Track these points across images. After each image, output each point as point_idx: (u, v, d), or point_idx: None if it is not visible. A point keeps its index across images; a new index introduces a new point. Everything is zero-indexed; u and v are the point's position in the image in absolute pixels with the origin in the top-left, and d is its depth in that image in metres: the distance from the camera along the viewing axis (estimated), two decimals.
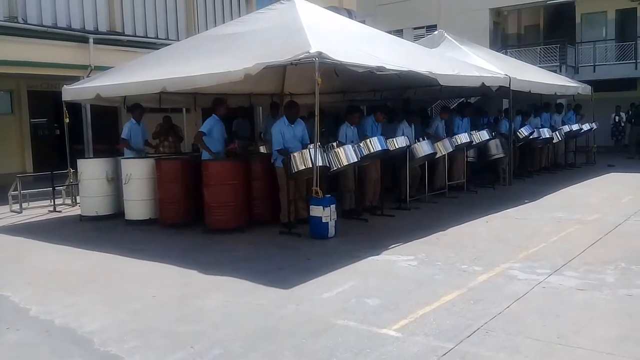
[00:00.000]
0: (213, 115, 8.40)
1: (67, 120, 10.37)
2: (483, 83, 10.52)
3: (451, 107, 13.50)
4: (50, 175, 10.37)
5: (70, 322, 4.49)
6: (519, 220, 8.27)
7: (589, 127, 15.33)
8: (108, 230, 8.40)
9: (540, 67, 17.80)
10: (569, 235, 7.13)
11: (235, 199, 7.70)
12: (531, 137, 12.91)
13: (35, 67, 14.42)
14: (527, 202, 9.61)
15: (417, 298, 4.78)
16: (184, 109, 14.44)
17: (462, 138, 10.57)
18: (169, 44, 12.79)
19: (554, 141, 14.03)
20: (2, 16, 15.16)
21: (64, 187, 10.72)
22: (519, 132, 12.60)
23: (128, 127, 9.32)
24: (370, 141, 8.26)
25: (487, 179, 11.66)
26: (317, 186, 7.02)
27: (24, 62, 14.08)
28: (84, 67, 14.52)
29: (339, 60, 7.14)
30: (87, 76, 12.51)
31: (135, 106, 9.41)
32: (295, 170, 7.31)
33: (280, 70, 10.78)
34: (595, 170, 14.37)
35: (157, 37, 18.29)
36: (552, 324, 4.15)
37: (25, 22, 15.34)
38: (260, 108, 15.66)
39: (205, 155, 8.10)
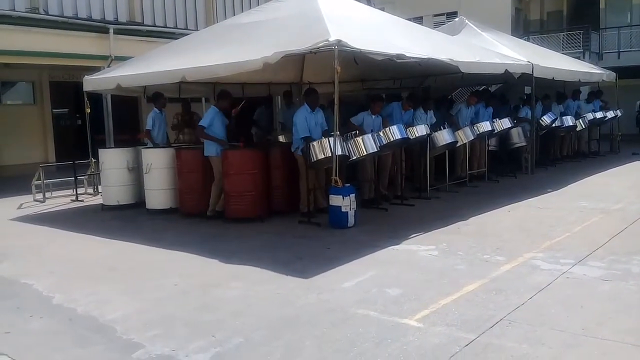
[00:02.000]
0: (212, 107, 8.30)
1: (88, 110, 10.45)
2: (506, 70, 10.34)
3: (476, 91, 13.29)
4: (72, 165, 10.48)
5: (93, 310, 4.53)
6: (542, 209, 8.15)
7: (613, 115, 15.02)
8: (129, 219, 8.47)
9: (563, 53, 17.47)
10: (593, 224, 7.00)
11: (255, 188, 7.71)
12: (554, 125, 12.68)
13: (56, 58, 14.56)
14: (550, 191, 9.46)
15: (439, 288, 4.73)
16: (203, 99, 14.50)
17: (484, 126, 10.42)
18: (188, 34, 12.79)
19: (578, 129, 13.78)
20: (24, 7, 15.30)
21: (86, 177, 10.83)
22: (542, 120, 12.39)
23: (152, 117, 9.22)
24: (389, 130, 8.20)
25: (509, 167, 11.49)
26: (336, 175, 6.99)
27: (46, 53, 14.22)
28: (104, 58, 14.62)
29: (358, 48, 7.06)
30: (108, 66, 12.59)
31: (158, 95, 9.40)
32: (315, 159, 7.28)
33: (299, 59, 10.72)
34: (619, 158, 14.10)
35: (176, 27, 18.34)
36: (576, 315, 4.08)
37: (47, 13, 15.47)
38: (279, 97, 15.64)
39: (208, 151, 8.01)
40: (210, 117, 8.08)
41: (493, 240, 6.29)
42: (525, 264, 5.38)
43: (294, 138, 7.89)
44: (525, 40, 18.20)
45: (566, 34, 21.43)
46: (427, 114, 9.83)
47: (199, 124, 8.18)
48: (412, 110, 9.53)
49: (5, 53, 13.55)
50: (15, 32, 13.63)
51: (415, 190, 9.32)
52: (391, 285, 4.82)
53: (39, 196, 10.29)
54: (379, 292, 4.68)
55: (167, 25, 18.48)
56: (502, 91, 14.25)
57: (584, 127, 13.98)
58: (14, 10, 14.84)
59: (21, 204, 9.94)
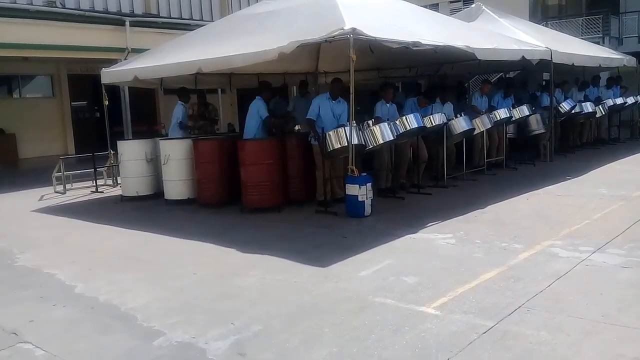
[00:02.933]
0: (259, 98, 8.40)
1: (106, 102, 10.56)
2: (523, 56, 10.21)
3: (492, 81, 13.17)
4: (92, 157, 10.61)
5: (114, 298, 4.61)
6: (561, 197, 8.07)
7: (633, 101, 14.76)
8: (148, 210, 8.57)
9: (582, 39, 17.18)
10: (613, 212, 6.92)
11: (271, 178, 7.74)
12: (573, 111, 12.51)
13: (74, 51, 14.72)
14: (569, 179, 9.36)
15: (456, 276, 4.72)
16: (219, 90, 14.55)
17: (501, 114, 10.32)
18: (204, 25, 12.83)
19: (597, 115, 13.58)
20: (41, 1, 15.46)
21: (105, 169, 10.96)
22: (561, 107, 12.23)
23: (182, 111, 9.64)
24: (406, 118, 8.16)
25: (527, 155, 11.38)
26: (352, 164, 6.99)
27: (63, 46, 14.37)
28: (121, 50, 14.74)
29: (373, 37, 7.03)
30: (125, 59, 12.68)
31: (183, 90, 9.69)
32: (331, 148, 7.29)
33: (314, 48, 10.69)
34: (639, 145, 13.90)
35: (191, 18, 18.41)
36: (595, 303, 4.05)
37: (64, 7, 15.61)
38: (295, 87, 15.65)
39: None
40: (264, 108, 8.28)
41: (511, 228, 6.26)
42: (544, 251, 5.35)
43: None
44: (543, 25, 17.92)
45: (585, 19, 21.05)
46: (443, 106, 9.76)
47: (264, 116, 8.27)
48: (428, 106, 9.45)
49: (24, 47, 13.73)
50: (33, 25, 13.80)
51: (432, 178, 9.28)
52: (408, 274, 4.83)
53: (60, 188, 10.44)
54: (396, 280, 4.69)
55: (183, 17, 18.56)
56: (523, 77, 14.07)
57: (603, 113, 13.76)
58: (31, 4, 15.02)
59: (42, 196, 10.10)
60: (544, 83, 13.53)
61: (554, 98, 11.91)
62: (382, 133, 7.60)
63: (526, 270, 4.81)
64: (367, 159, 8.44)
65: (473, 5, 14.21)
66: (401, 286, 4.55)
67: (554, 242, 5.63)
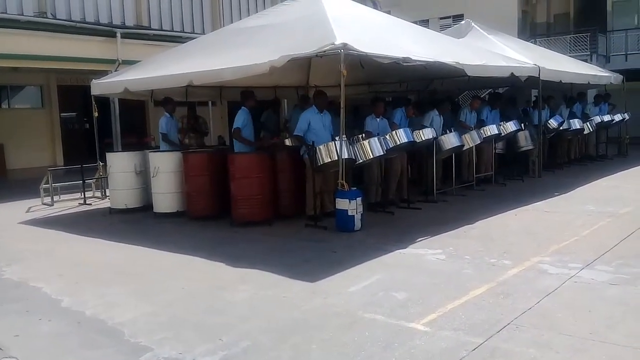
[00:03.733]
0: (243, 107, 8.39)
1: (96, 114, 10.50)
2: (512, 73, 10.33)
3: (481, 97, 13.27)
4: (81, 169, 10.54)
5: (101, 313, 4.56)
6: (549, 213, 8.12)
7: (620, 118, 14.95)
8: (137, 222, 8.51)
9: (570, 56, 17.41)
10: (601, 228, 6.97)
11: (262, 191, 7.73)
12: (561, 128, 12.64)
13: (64, 62, 14.65)
14: (557, 195, 9.43)
15: (446, 292, 4.72)
16: (210, 102, 14.55)
17: (491, 130, 10.41)
18: (195, 38, 12.86)
19: (585, 132, 13.73)
20: (32, 12, 15.44)
21: (94, 180, 10.89)
22: (549, 123, 12.35)
23: (165, 122, 9.40)
24: (396, 133, 8.21)
25: (516, 171, 11.47)
26: (342, 179, 7.00)
27: (54, 57, 14.30)
28: (112, 62, 14.70)
29: (364, 52, 7.08)
30: (115, 70, 12.64)
31: (167, 100, 9.52)
32: (321, 162, 7.30)
33: (306, 63, 10.74)
34: (627, 162, 14.02)
35: (183, 31, 18.44)
36: (584, 320, 4.07)
37: (55, 17, 15.59)
38: (286, 100, 15.68)
39: (238, 149, 8.10)
40: (244, 118, 8.20)
41: (500, 244, 6.28)
42: (533, 268, 5.37)
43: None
44: (532, 43, 18.16)
45: (573, 37, 21.35)
46: (441, 117, 9.83)
47: (235, 125, 8.21)
48: (416, 116, 9.52)
49: (14, 57, 13.66)
50: (23, 36, 13.74)
51: (422, 193, 9.32)
52: (398, 289, 4.82)
53: (47, 200, 10.35)
54: (385, 296, 4.68)
55: (174, 29, 18.58)
56: (511, 94, 14.21)
57: (591, 130, 13.92)
58: (22, 14, 14.98)
59: (29, 208, 10.01)
60: (533, 99, 13.67)
61: (542, 114, 12.03)
62: (372, 147, 7.63)
63: (515, 287, 4.82)
64: (357, 174, 8.47)
65: (463, 22, 14.39)
66: (391, 302, 4.54)
67: (543, 258, 5.66)
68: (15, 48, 13.53)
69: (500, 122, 11.02)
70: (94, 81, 10.15)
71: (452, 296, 4.60)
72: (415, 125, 9.31)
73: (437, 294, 4.70)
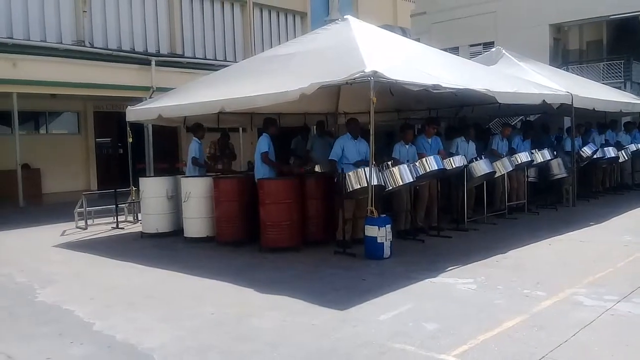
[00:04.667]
0: (264, 134, 8.47)
1: (130, 139, 10.70)
2: (544, 100, 10.22)
3: (512, 124, 13.14)
4: (114, 193, 10.73)
5: (131, 337, 4.59)
6: (584, 243, 7.93)
7: None
8: (167, 247, 8.60)
9: (603, 84, 17.16)
10: (638, 260, 6.76)
11: (291, 217, 7.74)
12: (595, 156, 12.41)
13: (100, 89, 15.11)
14: (592, 225, 9.21)
15: (477, 323, 4.63)
16: (240, 128, 14.75)
17: (522, 157, 10.28)
18: (227, 65, 13.12)
19: (620, 160, 13.44)
20: (71, 40, 16.01)
21: (126, 205, 11.06)
22: (583, 151, 12.15)
23: (196, 148, 9.53)
24: (426, 160, 8.17)
25: (549, 199, 11.26)
26: (372, 206, 6.97)
27: (91, 84, 14.78)
28: (146, 89, 15.11)
29: (394, 79, 7.11)
30: (150, 97, 12.96)
31: (198, 126, 9.68)
32: (350, 189, 7.30)
33: (335, 90, 10.83)
34: None
35: (215, 59, 18.87)
36: (621, 354, 3.94)
37: (92, 46, 16.13)
38: (314, 127, 15.83)
39: (260, 174, 8.16)
40: (268, 143, 8.29)
41: (533, 275, 6.14)
42: (567, 299, 5.23)
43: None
44: (564, 70, 17.98)
45: (606, 64, 21.05)
46: (468, 143, 9.76)
47: (262, 150, 8.27)
48: (437, 136, 9.42)
49: (53, 84, 14.16)
50: (62, 64, 14.26)
51: (452, 221, 9.21)
52: (428, 319, 4.74)
53: (81, 223, 10.54)
54: (415, 326, 4.61)
55: (207, 57, 19.04)
56: (543, 121, 14.04)
57: (626, 158, 13.63)
58: (61, 42, 15.55)
59: (64, 231, 10.21)
60: (565, 127, 13.48)
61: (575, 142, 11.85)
62: (401, 174, 7.61)
63: (550, 319, 4.70)
64: (386, 200, 8.43)
65: (493, 49, 14.34)
66: (421, 332, 4.46)
67: (578, 290, 5.51)
68: (54, 75, 14.03)
69: (532, 150, 10.88)
70: (129, 108, 10.39)
71: (484, 327, 4.50)
72: (444, 148, 9.28)
73: (468, 325, 4.61)
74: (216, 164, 10.64)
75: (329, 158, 7.95)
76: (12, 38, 14.61)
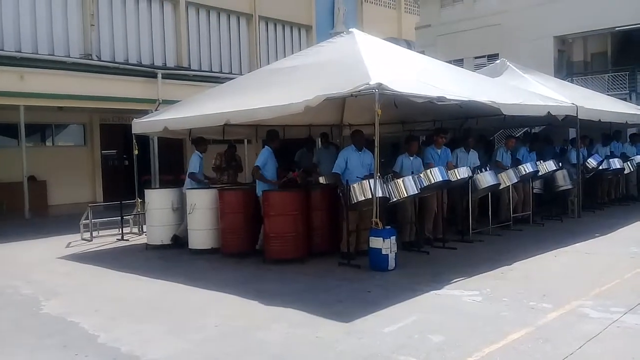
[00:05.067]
0: (266, 147, 8.49)
1: (136, 151, 10.75)
2: (549, 112, 10.23)
3: (516, 136, 13.14)
4: (119, 205, 10.76)
5: (136, 349, 4.59)
6: (590, 255, 7.89)
7: None
8: (172, 258, 8.60)
9: (608, 95, 17.15)
10: None
11: (295, 229, 7.74)
12: (601, 167, 12.38)
13: (107, 102, 15.21)
14: (597, 236, 9.17)
15: (483, 336, 4.61)
16: (246, 140, 14.79)
17: (528, 168, 10.27)
18: (233, 78, 13.19)
19: (625, 172, 13.40)
20: (78, 54, 16.16)
21: (132, 217, 11.10)
22: (588, 163, 12.12)
23: (196, 162, 9.41)
24: (430, 172, 8.18)
25: (554, 211, 11.23)
26: (376, 217, 6.97)
27: (97, 97, 14.88)
28: (152, 101, 15.18)
29: (398, 91, 7.13)
30: (156, 109, 13.01)
31: (201, 140, 9.66)
32: (355, 201, 7.30)
33: (340, 102, 10.88)
34: None
35: (221, 72, 18.98)
36: None
37: (99, 59, 16.25)
38: (319, 139, 15.89)
39: (260, 188, 8.16)
40: (265, 157, 8.27)
41: (539, 287, 6.11)
42: (574, 311, 5.20)
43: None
44: (569, 81, 18.01)
45: (611, 75, 21.09)
46: (468, 154, 9.76)
47: (255, 163, 8.29)
48: (447, 147, 9.43)
49: (60, 97, 14.27)
50: (69, 77, 14.38)
51: (457, 233, 9.19)
52: (434, 332, 4.73)
53: (87, 235, 10.57)
54: (421, 338, 4.59)
55: (213, 70, 19.15)
56: (547, 133, 14.04)
57: (632, 169, 13.58)
58: (68, 56, 15.69)
59: (69, 243, 10.24)
60: (569, 139, 13.47)
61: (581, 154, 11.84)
62: (406, 186, 7.61)
63: (556, 331, 4.67)
64: (391, 212, 8.42)
65: (498, 61, 14.38)
66: (426, 345, 4.45)
67: (584, 302, 5.48)
68: (62, 88, 14.15)
69: (537, 161, 10.86)
70: (135, 120, 10.44)
71: (489, 340, 4.48)
72: (459, 159, 9.31)
73: (474, 337, 4.59)
74: (221, 175, 10.68)
75: (333, 171, 7.94)
76: (20, 52, 14.75)
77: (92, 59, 15.88)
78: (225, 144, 11.15)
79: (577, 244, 8.51)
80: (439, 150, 9.08)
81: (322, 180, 10.35)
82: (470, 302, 5.62)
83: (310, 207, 8.09)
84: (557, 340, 4.43)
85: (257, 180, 8.26)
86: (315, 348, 4.51)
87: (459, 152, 9.68)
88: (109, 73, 15.09)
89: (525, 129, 14.83)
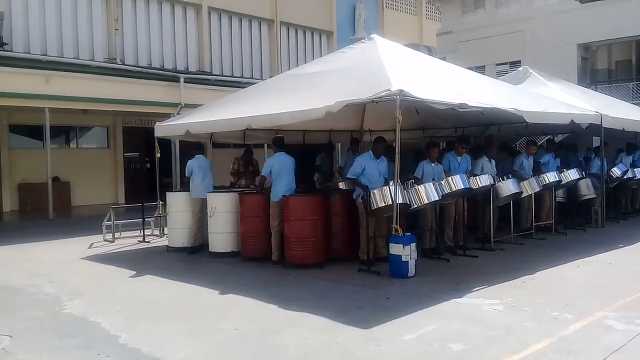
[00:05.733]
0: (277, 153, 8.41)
1: (158, 154, 10.85)
2: (572, 120, 10.11)
3: (539, 143, 13.01)
4: (141, 207, 10.88)
5: (156, 351, 4.63)
6: (614, 265, 7.77)
7: None
8: (193, 261, 8.67)
9: (633, 103, 16.89)
10: None
11: (315, 234, 7.75)
12: (625, 176, 12.19)
13: (130, 105, 15.39)
14: (621, 247, 9.02)
15: (504, 345, 4.55)
16: (265, 145, 14.85)
17: (550, 177, 10.15)
18: (254, 83, 13.27)
19: None
20: (102, 58, 16.41)
21: (153, 219, 11.20)
22: (612, 172, 11.94)
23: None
24: (452, 179, 8.13)
25: (577, 220, 11.07)
26: (396, 224, 6.94)
27: (121, 100, 15.07)
28: (174, 105, 15.35)
29: (420, 98, 7.10)
30: (178, 113, 13.14)
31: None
32: (375, 207, 7.28)
33: (360, 107, 10.86)
34: None
35: (242, 76, 19.12)
36: None
37: (123, 63, 16.49)
38: (339, 144, 15.87)
39: (274, 197, 8.14)
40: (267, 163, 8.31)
41: (562, 297, 6.03)
42: (597, 323, 5.12)
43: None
44: (592, 90, 17.77)
45: (636, 84, 20.77)
46: (491, 162, 9.68)
47: (263, 173, 8.33)
48: (467, 154, 9.36)
49: (84, 100, 14.49)
50: (93, 80, 14.59)
51: (478, 241, 9.11)
52: (454, 340, 4.69)
53: (109, 236, 10.70)
54: (441, 347, 4.55)
55: (234, 75, 19.31)
56: (572, 141, 13.86)
57: None
58: (93, 60, 15.95)
59: (92, 243, 10.37)
60: (593, 147, 13.29)
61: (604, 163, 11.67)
62: (427, 193, 7.57)
63: (578, 343, 4.60)
64: (411, 219, 8.38)
65: (520, 68, 14.26)
66: (447, 353, 4.41)
67: (608, 313, 5.39)
68: (86, 91, 14.36)
69: (562, 168, 10.73)
70: (158, 124, 10.55)
71: (510, 350, 4.43)
72: (483, 167, 9.24)
73: (494, 347, 4.54)
74: (239, 179, 10.72)
75: (347, 176, 7.90)
76: (46, 55, 15.04)
77: (116, 63, 16.12)
78: (244, 150, 11.18)
79: (601, 254, 8.38)
80: (459, 158, 9.01)
81: (341, 185, 10.36)
82: (491, 311, 5.56)
83: (330, 212, 8.09)
84: (580, 352, 4.37)
85: (272, 186, 8.24)
86: (334, 354, 4.50)
87: (483, 161, 9.56)
88: (132, 77, 15.29)
89: (548, 136, 14.67)
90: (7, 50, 14.06)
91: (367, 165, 7.82)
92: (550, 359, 4.24)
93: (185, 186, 9.91)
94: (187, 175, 9.54)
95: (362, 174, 7.80)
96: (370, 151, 8.02)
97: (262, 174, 8.38)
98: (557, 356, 4.30)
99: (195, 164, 9.52)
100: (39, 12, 15.62)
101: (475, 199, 9.39)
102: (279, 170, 8.14)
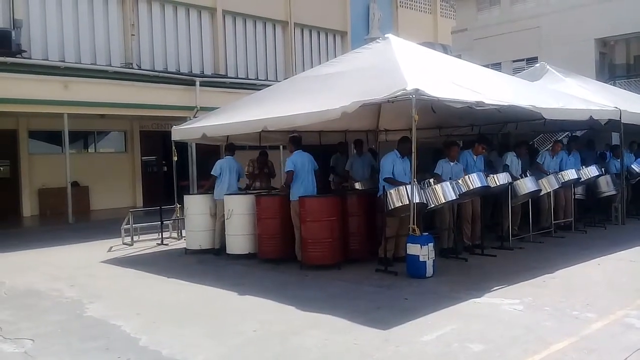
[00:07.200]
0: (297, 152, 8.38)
1: (175, 158, 10.94)
2: (591, 116, 9.98)
3: (559, 139, 12.86)
4: (159, 210, 10.96)
5: (177, 353, 4.66)
6: (635, 263, 7.66)
7: None
8: (210, 263, 8.72)
9: None
10: None
11: (332, 235, 7.75)
12: None
13: (147, 109, 15.52)
14: None
15: (525, 345, 4.51)
16: (281, 146, 14.90)
17: (569, 174, 10.03)
18: (269, 85, 13.30)
19: None
20: (119, 63, 16.58)
21: (171, 222, 11.29)
22: (632, 168, 11.77)
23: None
24: (469, 178, 8.06)
25: (597, 217, 10.93)
26: (414, 224, 6.91)
27: (138, 105, 15.20)
28: (190, 108, 15.45)
29: (436, 97, 7.07)
30: (194, 117, 13.22)
31: (232, 146, 9.80)
32: (392, 207, 7.26)
33: (376, 107, 10.84)
34: None
35: (257, 79, 19.18)
36: None
37: (140, 68, 16.64)
38: (352, 145, 15.86)
39: (294, 196, 8.13)
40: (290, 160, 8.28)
41: (582, 295, 5.96)
42: (618, 321, 5.05)
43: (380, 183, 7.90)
44: (611, 85, 17.53)
45: None
46: (519, 160, 9.59)
47: (287, 169, 8.28)
48: (486, 153, 9.28)
49: (102, 105, 14.65)
50: (111, 85, 14.76)
51: (497, 239, 9.04)
52: (473, 341, 4.65)
53: (128, 239, 10.80)
54: (460, 348, 4.52)
55: (249, 77, 19.38)
56: (589, 137, 13.69)
57: None
58: (110, 65, 16.13)
59: (111, 247, 10.48)
60: (612, 144, 13.10)
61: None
62: (444, 192, 7.53)
63: (600, 342, 4.55)
64: (428, 218, 8.34)
65: (537, 65, 14.12)
66: (466, 354, 4.38)
67: (629, 311, 5.32)
68: (104, 96, 14.53)
69: (581, 164, 10.61)
70: (175, 127, 10.63)
71: (531, 350, 4.39)
72: (496, 164, 9.15)
73: (515, 347, 4.50)
74: (254, 181, 10.75)
75: (385, 177, 7.79)
76: (64, 61, 15.23)
77: (132, 68, 16.27)
78: (259, 152, 11.20)
79: (622, 252, 8.26)
80: (475, 157, 8.94)
81: (357, 186, 10.35)
82: (511, 311, 5.51)
83: (347, 212, 8.09)
84: (602, 351, 4.32)
85: (291, 186, 8.24)
86: (353, 355, 4.49)
87: (512, 156, 9.49)
88: (148, 81, 15.42)
89: (567, 133, 14.51)
90: (25, 58, 14.26)
91: (395, 164, 7.79)
92: (572, 359, 4.19)
93: (201, 189, 9.93)
94: (213, 173, 9.52)
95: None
96: (396, 150, 7.98)
97: (286, 169, 8.30)
98: (578, 355, 4.26)
99: (225, 165, 9.52)
100: (57, 19, 15.83)
101: (494, 198, 9.31)
102: (302, 165, 8.17)
